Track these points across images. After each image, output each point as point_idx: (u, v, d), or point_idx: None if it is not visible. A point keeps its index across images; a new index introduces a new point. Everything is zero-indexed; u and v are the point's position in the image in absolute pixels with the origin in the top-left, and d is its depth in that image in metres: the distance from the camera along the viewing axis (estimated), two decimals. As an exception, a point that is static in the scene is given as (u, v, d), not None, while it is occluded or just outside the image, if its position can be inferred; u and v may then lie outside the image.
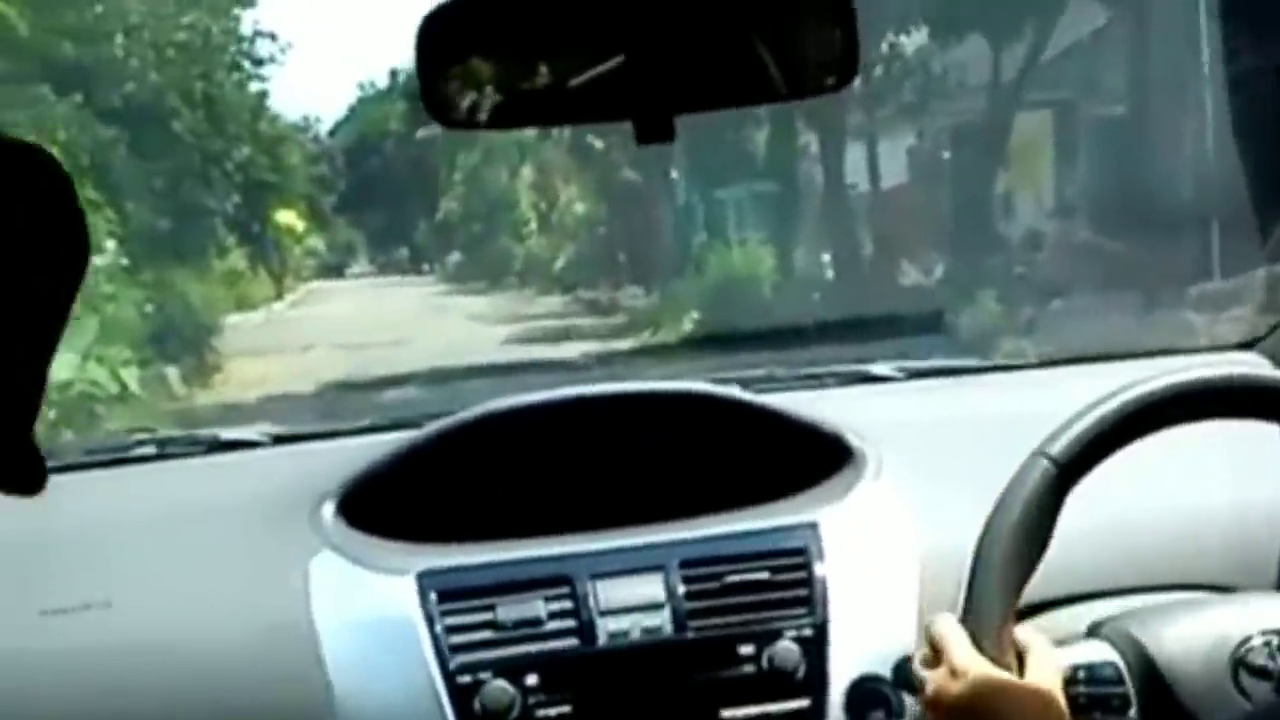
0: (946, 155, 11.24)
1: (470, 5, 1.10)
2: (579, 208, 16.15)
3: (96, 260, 8.66)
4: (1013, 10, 9.94)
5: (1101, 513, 1.38)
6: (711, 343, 8.88)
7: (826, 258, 10.80)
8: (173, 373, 9.44)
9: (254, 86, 15.35)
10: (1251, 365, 1.67)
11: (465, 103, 1.11)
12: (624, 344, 10.63)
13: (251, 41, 11.78)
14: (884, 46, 10.17)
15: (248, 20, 11.64)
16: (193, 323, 10.20)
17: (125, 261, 8.97)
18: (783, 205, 11.50)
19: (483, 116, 1.12)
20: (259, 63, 11.99)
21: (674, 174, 13.48)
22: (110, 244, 8.62)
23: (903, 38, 10.25)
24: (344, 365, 10.39)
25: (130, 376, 7.64)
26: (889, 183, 11.20)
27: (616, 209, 14.75)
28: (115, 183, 9.42)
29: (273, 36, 11.83)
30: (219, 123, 11.53)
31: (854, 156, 11.14)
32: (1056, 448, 1.25)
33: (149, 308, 9.40)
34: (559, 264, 16.27)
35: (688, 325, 10.30)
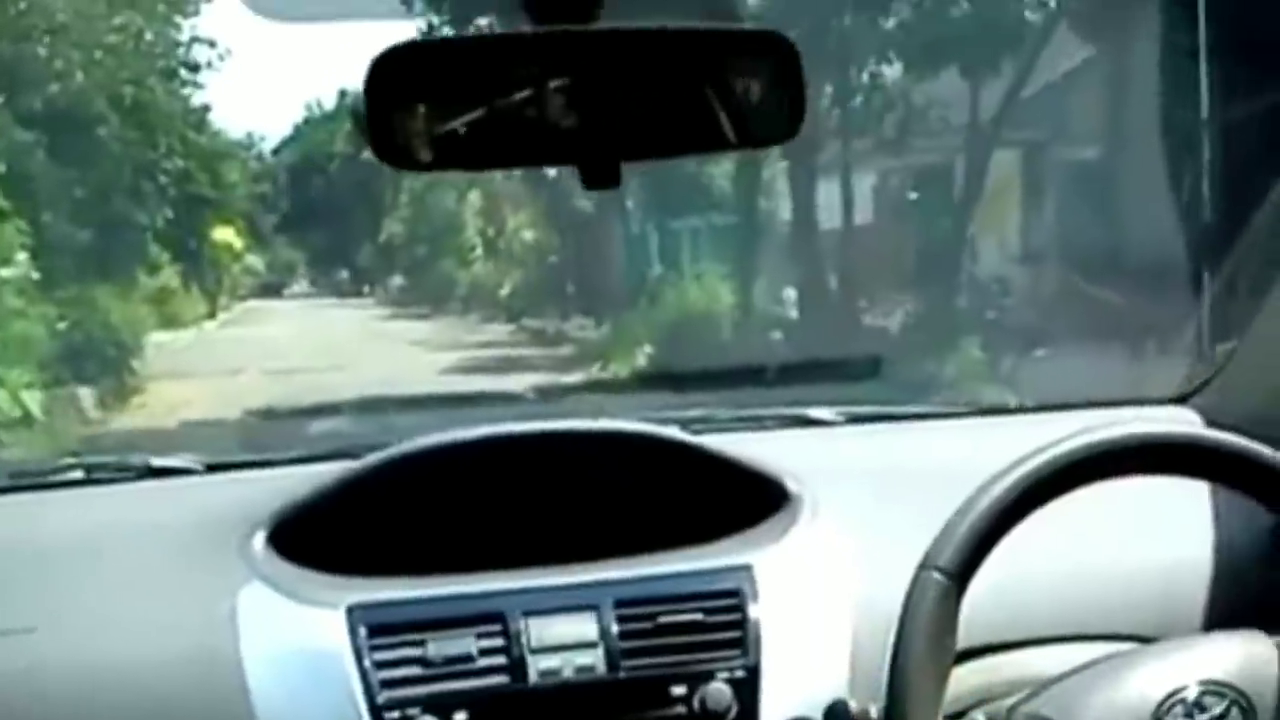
0: (916, 194, 10.76)
1: (420, 48, 1.12)
2: (527, 234, 15.66)
3: (3, 272, 8.10)
4: (991, 46, 9.48)
5: (1024, 564, 1.37)
6: (663, 379, 8.60)
7: (789, 295, 10.25)
8: (86, 395, 8.71)
9: (194, 99, 14.73)
10: (1177, 420, 1.70)
11: (413, 144, 1.11)
12: (571, 377, 10.02)
13: (188, 48, 11.05)
14: (864, 77, 9.67)
15: (188, 28, 10.95)
16: (112, 342, 9.45)
17: (36, 275, 8.23)
18: (743, 239, 10.95)
19: (430, 158, 1.13)
20: (194, 68, 11.25)
21: (628, 203, 12.91)
22: (21, 256, 7.90)
23: (884, 68, 9.75)
24: (272, 391, 9.75)
25: (32, 400, 6.95)
26: (858, 220, 10.67)
27: (567, 237, 14.28)
28: (31, 190, 8.68)
29: (211, 43, 11.10)
30: (149, 131, 10.78)
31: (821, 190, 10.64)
32: (944, 558, 1.26)
33: (62, 325, 8.65)
34: (505, 291, 15.76)
35: (640, 360, 9.70)
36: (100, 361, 9.15)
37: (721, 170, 11.62)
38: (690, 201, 11.79)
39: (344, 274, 26.27)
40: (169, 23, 10.93)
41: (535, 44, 1.10)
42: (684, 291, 10.38)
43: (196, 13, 11.09)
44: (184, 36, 10.88)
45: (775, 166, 10.71)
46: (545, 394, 9.02)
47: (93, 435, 7.93)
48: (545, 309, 14.41)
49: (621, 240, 13.08)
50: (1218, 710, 1.30)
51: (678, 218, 12.17)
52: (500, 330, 14.88)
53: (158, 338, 12.85)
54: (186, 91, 11.91)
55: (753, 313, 9.93)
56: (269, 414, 8.43)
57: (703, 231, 11.92)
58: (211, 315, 18.27)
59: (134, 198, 10.93)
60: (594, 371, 10.04)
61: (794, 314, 9.78)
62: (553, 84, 1.08)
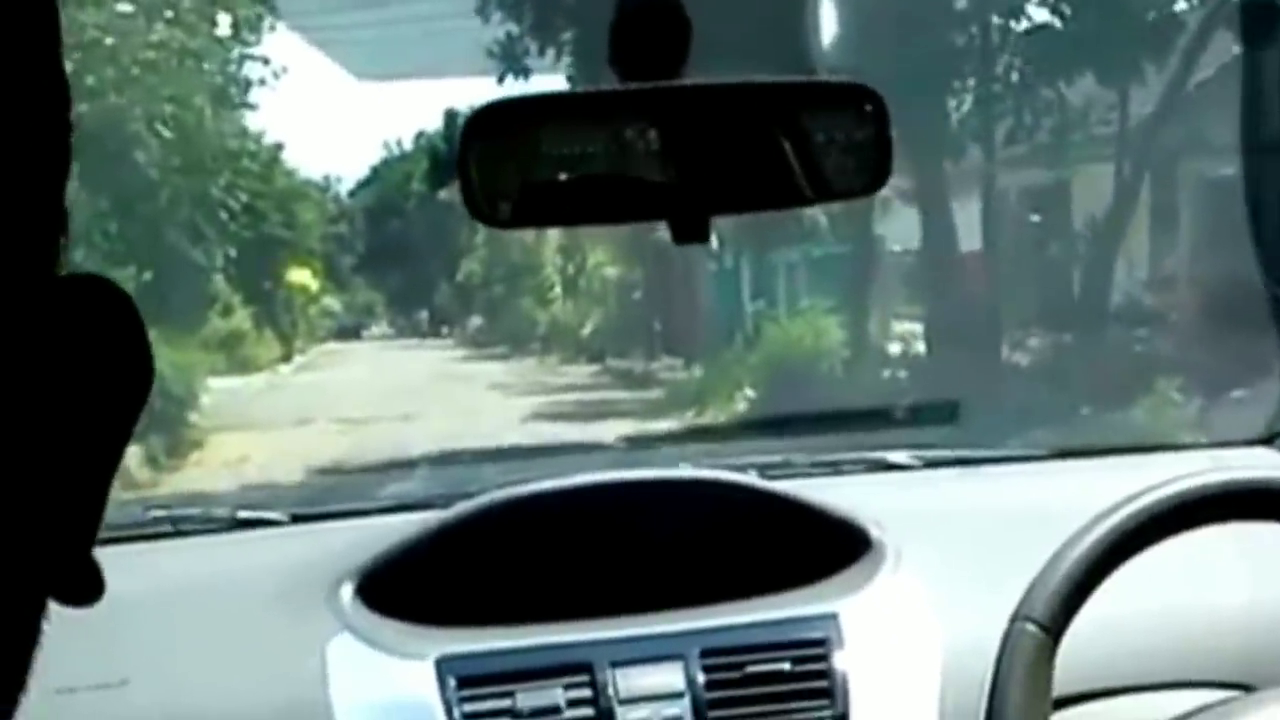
0: (1039, 215, 9.60)
1: (513, 105, 1.14)
2: (609, 271, 14.83)
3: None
4: (1134, 51, 8.36)
5: (1120, 609, 1.35)
6: (763, 426, 7.56)
7: (905, 329, 9.11)
8: (133, 453, 7.76)
9: (253, 126, 14.00)
10: (1263, 463, 1.67)
11: (504, 200, 1.12)
12: (664, 424, 8.93)
13: (240, 64, 10.07)
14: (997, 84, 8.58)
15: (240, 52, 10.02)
16: (163, 394, 8.50)
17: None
18: (850, 269, 9.83)
19: (520, 214, 1.16)
20: (245, 86, 10.29)
21: (713, 237, 11.83)
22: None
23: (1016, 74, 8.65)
24: (342, 444, 8.86)
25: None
26: (977, 244, 9.52)
27: (651, 273, 13.40)
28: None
29: (265, 60, 10.14)
30: (200, 159, 9.81)
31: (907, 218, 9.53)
32: (1038, 610, 1.25)
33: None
34: (586, 331, 14.84)
35: (740, 404, 8.60)
36: (150, 416, 8.18)
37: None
38: (785, 233, 10.73)
39: (423, 315, 25.73)
40: (219, 42, 9.98)
41: (623, 100, 1.10)
42: (786, 329, 9.24)
43: (257, 41, 10.17)
44: (234, 54, 9.92)
45: (892, 189, 9.61)
46: (639, 444, 8.04)
47: (135, 501, 6.99)
48: (630, 349, 13.46)
49: (710, 276, 12.05)
50: None
51: (772, 250, 11.09)
52: (583, 371, 13.99)
53: (227, 383, 12.11)
54: (240, 116, 10.94)
55: (866, 351, 8.81)
56: (336, 472, 7.55)
57: (799, 264, 10.81)
58: (287, 358, 17.48)
59: (189, 234, 9.97)
60: (690, 417, 8.94)
61: (918, 350, 8.64)
62: (641, 140, 1.09)
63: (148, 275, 9.59)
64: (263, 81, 10.24)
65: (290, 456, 8.39)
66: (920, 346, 8.73)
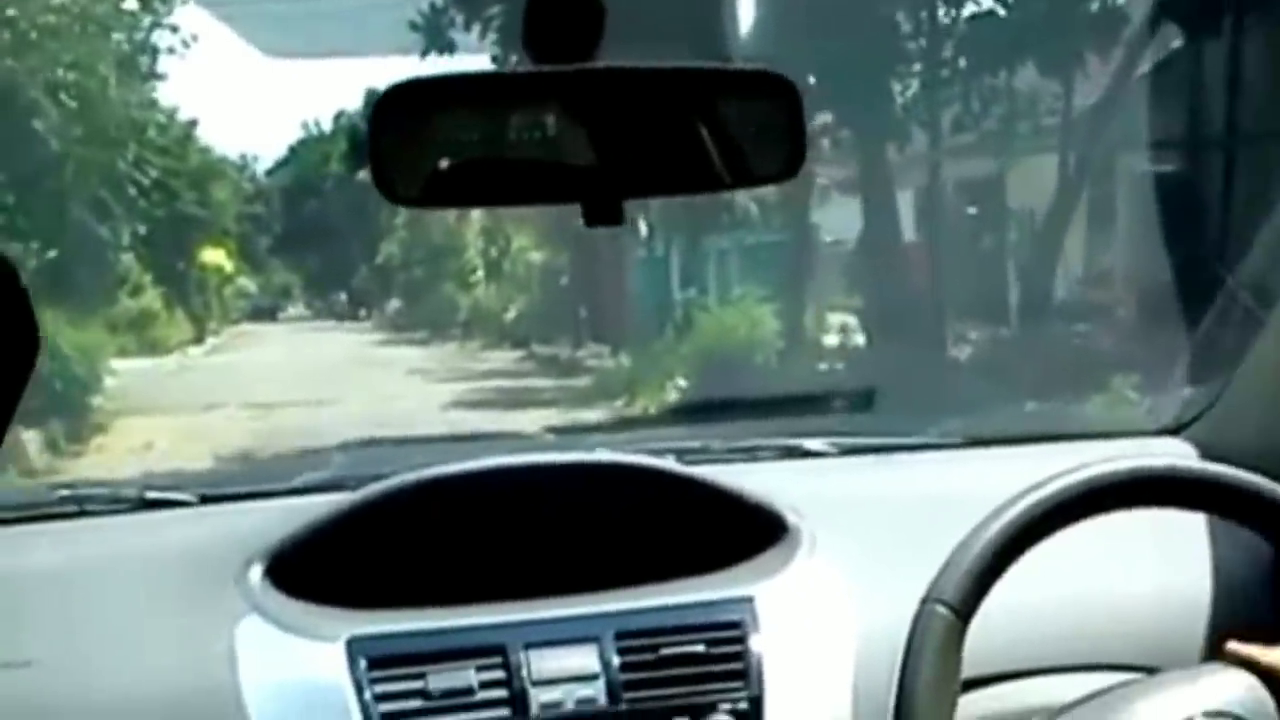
0: (975, 208, 9.38)
1: (424, 85, 1.09)
2: (534, 255, 14.47)
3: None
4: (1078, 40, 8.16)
5: (1027, 594, 1.37)
6: (684, 412, 7.33)
7: (842, 320, 8.84)
8: (32, 438, 7.26)
9: (176, 109, 13.45)
10: (1172, 452, 1.69)
11: (415, 180, 1.11)
12: (592, 414, 8.60)
13: (149, 32, 9.51)
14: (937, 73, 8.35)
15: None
16: (60, 375, 7.98)
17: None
18: (785, 258, 9.54)
19: (431, 194, 1.15)
20: (154, 54, 9.73)
21: (641, 223, 11.54)
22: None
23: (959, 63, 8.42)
24: (252, 431, 8.42)
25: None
26: (912, 237, 9.27)
27: (577, 258, 13.04)
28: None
29: (174, 29, 9.55)
30: (105, 131, 9.25)
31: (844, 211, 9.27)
32: (948, 592, 1.27)
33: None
34: (509, 315, 14.50)
35: (670, 394, 8.28)
36: (51, 398, 7.67)
37: (751, 190, 10.25)
38: (715, 220, 10.44)
39: (340, 297, 25.23)
40: (122, 10, 9.41)
41: (536, 82, 1.10)
42: (719, 317, 8.92)
43: (168, 11, 9.61)
44: (143, 22, 9.35)
45: (815, 182, 9.33)
46: (566, 434, 7.71)
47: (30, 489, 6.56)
48: (555, 335, 13.12)
49: (639, 262, 11.73)
50: None
51: (703, 237, 10.78)
52: (506, 358, 13.60)
53: (136, 365, 11.64)
54: (149, 88, 10.39)
55: (802, 342, 8.52)
56: (244, 460, 7.14)
57: (731, 252, 10.52)
58: (199, 340, 16.97)
59: (95, 210, 9.41)
60: (619, 406, 8.61)
61: (856, 342, 8.37)
62: (553, 122, 1.09)
63: (52, 253, 9.08)
64: (171, 50, 9.74)
65: (197, 442, 7.99)
66: (859, 338, 8.47)
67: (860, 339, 8.46)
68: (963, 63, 8.46)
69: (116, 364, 10.59)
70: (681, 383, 8.37)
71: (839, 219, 9.75)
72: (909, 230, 9.41)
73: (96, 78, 8.62)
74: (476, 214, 16.58)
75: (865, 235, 8.61)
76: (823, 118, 8.16)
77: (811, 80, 7.31)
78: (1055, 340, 7.77)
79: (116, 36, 9.27)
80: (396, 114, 1.08)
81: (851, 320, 8.75)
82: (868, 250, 8.55)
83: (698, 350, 8.59)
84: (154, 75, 10.03)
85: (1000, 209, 9.40)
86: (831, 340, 8.82)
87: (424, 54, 9.10)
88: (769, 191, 10.62)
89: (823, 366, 8.20)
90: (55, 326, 8.18)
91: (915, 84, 8.80)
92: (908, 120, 8.51)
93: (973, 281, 8.91)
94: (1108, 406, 5.41)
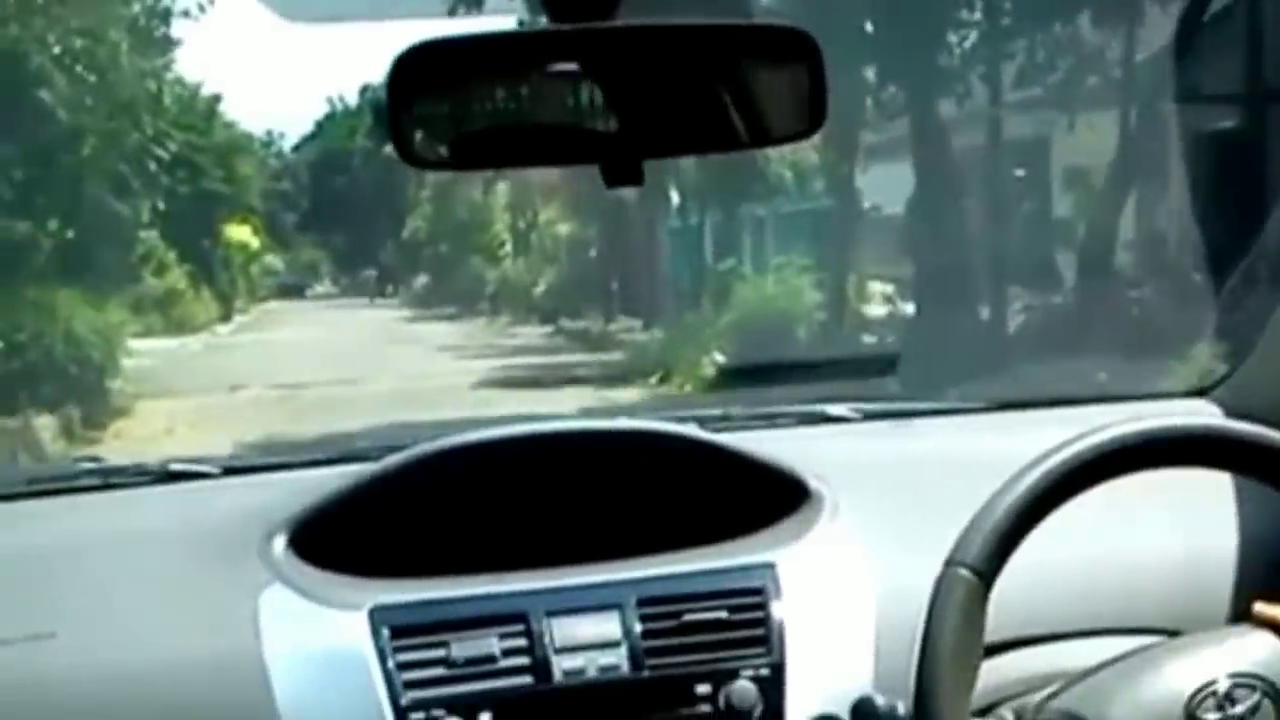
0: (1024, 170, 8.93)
1: (441, 46, 1.09)
2: (562, 228, 14.16)
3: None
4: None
5: (1051, 558, 1.38)
6: (720, 379, 7.29)
7: (883, 290, 8.43)
8: (46, 424, 6.94)
9: (200, 85, 13.14)
10: (1198, 413, 1.69)
11: (433, 143, 1.12)
12: (629, 393, 8.22)
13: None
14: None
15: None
16: (75, 359, 7.64)
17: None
18: (823, 228, 9.12)
19: (450, 157, 1.15)
20: (166, 16, 9.33)
21: (673, 191, 11.15)
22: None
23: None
24: (278, 413, 8.10)
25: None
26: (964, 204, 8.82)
27: (606, 230, 12.69)
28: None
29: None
30: (117, 100, 8.87)
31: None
32: (970, 555, 1.27)
33: (-1, 344, 6.82)
34: (539, 290, 14.17)
35: (708, 369, 7.90)
36: (65, 382, 7.34)
37: (784, 154, 9.82)
38: (750, 188, 10.04)
39: (368, 273, 25.01)
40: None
41: (555, 41, 1.10)
42: (758, 288, 8.51)
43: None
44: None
45: (861, 148, 8.91)
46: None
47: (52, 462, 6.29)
48: (585, 310, 12.77)
49: (671, 233, 11.34)
50: (1250, 702, 1.28)
51: (737, 205, 10.37)
52: (535, 332, 13.27)
53: (161, 345, 11.40)
54: (165, 56, 10.01)
55: (845, 312, 8.11)
56: (267, 448, 6.84)
57: (768, 220, 10.10)
58: (226, 318, 16.80)
59: (111, 185, 9.05)
60: (653, 384, 8.23)
61: (904, 311, 7.95)
62: (572, 82, 1.08)
63: (69, 232, 8.75)
64: (186, 14, 9.36)
65: (221, 426, 7.69)
66: (905, 308, 8.06)
67: (907, 308, 8.05)
68: (1012, 16, 8.02)
69: (140, 344, 10.35)
70: (719, 357, 8.00)
71: (878, 184, 9.36)
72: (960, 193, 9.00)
73: (107, 44, 8.23)
74: (503, 186, 16.34)
75: (916, 198, 8.19)
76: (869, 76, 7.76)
77: (869, 28, 6.93)
78: (1106, 306, 7.44)
79: (127, -1, 8.92)
80: (414, 76, 1.07)
81: (890, 289, 8.35)
82: (920, 214, 8.14)
83: (735, 322, 8.20)
84: (169, 41, 9.66)
85: (1046, 171, 8.97)
86: (877, 310, 8.42)
87: (451, 12, 8.77)
88: (806, 157, 10.22)
89: (868, 339, 7.82)
90: (71, 308, 7.88)
91: (970, 37, 8.36)
92: (964, 75, 8.08)
93: (1019, 247, 8.51)
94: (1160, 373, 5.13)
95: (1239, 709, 1.29)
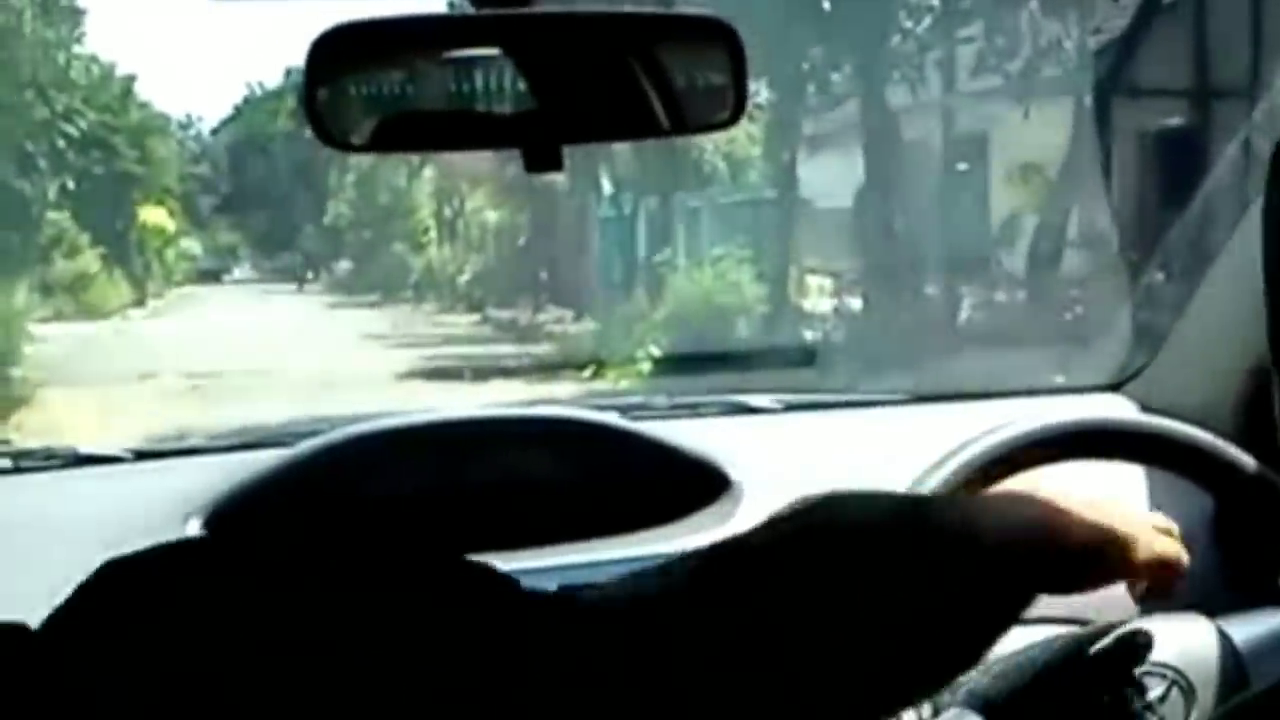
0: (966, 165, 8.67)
1: (361, 29, 1.09)
2: (489, 215, 13.72)
3: None
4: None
5: None
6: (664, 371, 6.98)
7: (819, 283, 8.12)
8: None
9: (114, 65, 12.59)
10: (1111, 407, 1.76)
11: (352, 125, 1.12)
12: (561, 387, 7.84)
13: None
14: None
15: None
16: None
17: None
18: (763, 219, 8.79)
19: (369, 140, 1.15)
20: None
21: (604, 180, 10.80)
22: None
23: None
24: (191, 403, 7.62)
25: None
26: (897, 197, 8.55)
27: (536, 218, 12.31)
28: None
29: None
30: (20, 73, 8.32)
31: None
32: None
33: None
34: (464, 278, 13.75)
35: (644, 363, 7.54)
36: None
37: (718, 144, 9.50)
38: (684, 179, 9.72)
39: (289, 258, 24.43)
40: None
41: (476, 25, 1.12)
42: (695, 280, 8.16)
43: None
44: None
45: (800, 139, 8.60)
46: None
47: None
48: (513, 299, 12.36)
49: (603, 222, 10.97)
50: (1158, 691, 1.30)
51: (671, 195, 10.04)
52: (461, 321, 12.82)
53: (71, 330, 10.85)
54: (76, 32, 9.46)
55: (786, 306, 7.79)
56: (173, 445, 6.38)
57: (704, 211, 9.76)
58: (140, 302, 16.27)
59: (16, 163, 8.49)
60: (586, 377, 7.86)
61: (854, 305, 7.65)
62: (493, 66, 1.10)
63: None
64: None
65: (127, 418, 7.19)
66: (852, 303, 7.77)
67: (854, 303, 7.77)
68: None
69: (48, 330, 9.82)
70: (655, 351, 7.65)
71: (816, 176, 9.07)
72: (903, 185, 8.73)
73: (8, 11, 7.69)
74: (429, 173, 15.92)
75: (864, 191, 7.90)
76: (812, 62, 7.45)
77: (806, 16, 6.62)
78: (1034, 300, 7.29)
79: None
80: (333, 57, 1.07)
81: (828, 282, 8.07)
82: (867, 207, 7.84)
83: (672, 315, 7.85)
84: (75, 12, 9.11)
85: (984, 165, 8.76)
86: (816, 304, 8.13)
87: (380, -15, 8.34)
88: (741, 147, 9.91)
89: (810, 334, 7.51)
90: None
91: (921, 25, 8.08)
92: (915, 63, 7.80)
93: (954, 240, 8.28)
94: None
95: (1148, 698, 1.28)
